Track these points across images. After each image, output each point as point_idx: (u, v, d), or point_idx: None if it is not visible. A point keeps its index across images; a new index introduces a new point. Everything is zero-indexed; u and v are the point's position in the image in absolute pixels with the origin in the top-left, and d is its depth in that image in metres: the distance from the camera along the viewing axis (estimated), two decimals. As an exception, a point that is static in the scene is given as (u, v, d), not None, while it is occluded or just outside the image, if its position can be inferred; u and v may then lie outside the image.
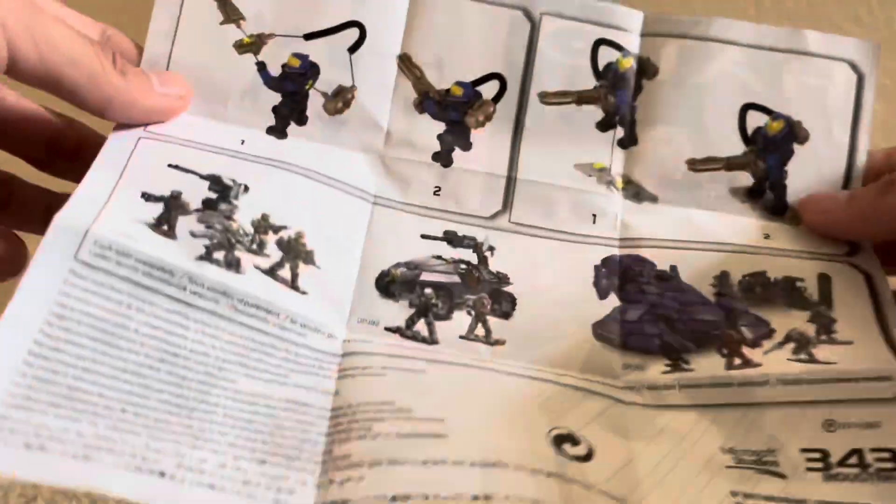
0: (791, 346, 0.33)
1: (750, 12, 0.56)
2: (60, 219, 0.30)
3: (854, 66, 0.38)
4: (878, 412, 0.30)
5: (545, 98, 0.39)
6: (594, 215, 0.38)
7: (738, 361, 0.33)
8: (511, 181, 0.38)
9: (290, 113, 0.37)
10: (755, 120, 0.38)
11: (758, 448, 0.30)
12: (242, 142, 0.36)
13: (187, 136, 0.36)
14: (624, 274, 0.36)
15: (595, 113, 0.39)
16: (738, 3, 0.56)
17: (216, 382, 0.29)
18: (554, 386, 0.32)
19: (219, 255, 0.32)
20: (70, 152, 0.38)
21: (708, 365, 0.33)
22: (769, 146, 0.38)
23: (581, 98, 0.39)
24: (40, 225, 0.30)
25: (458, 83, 0.39)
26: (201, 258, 0.32)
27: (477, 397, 0.31)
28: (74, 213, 0.30)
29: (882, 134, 0.41)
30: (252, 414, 0.29)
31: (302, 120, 0.38)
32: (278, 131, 0.37)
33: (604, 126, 0.39)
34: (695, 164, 0.38)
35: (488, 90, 0.39)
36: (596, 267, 0.36)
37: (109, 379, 0.28)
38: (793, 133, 0.38)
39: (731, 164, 0.38)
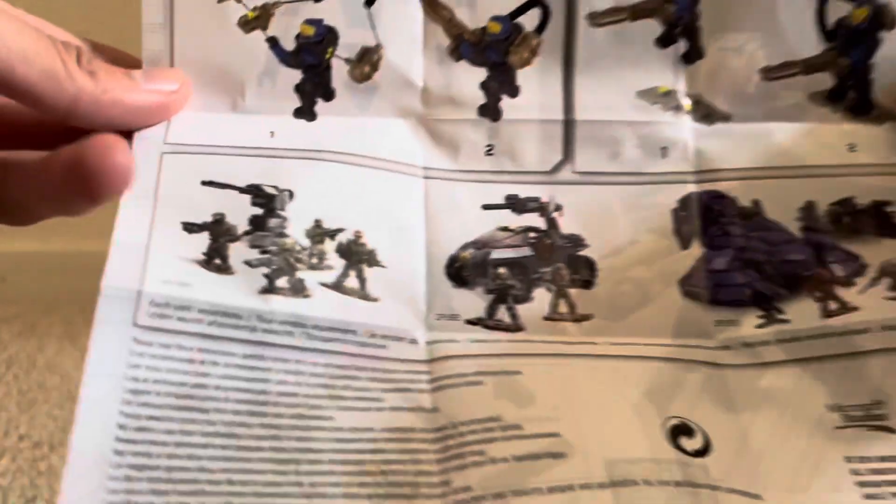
0: (887, 281, 0.31)
1: None
2: (108, 286, 0.28)
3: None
4: None
5: (596, 19, 0.34)
6: (663, 148, 0.34)
7: (833, 306, 0.31)
8: (569, 125, 0.34)
9: (314, 89, 0.34)
10: (836, 11, 0.34)
11: (864, 402, 0.29)
12: (272, 134, 0.33)
13: (212, 139, 0.32)
14: (705, 214, 0.34)
15: (653, 27, 0.34)
16: None
17: (312, 424, 0.29)
18: (652, 363, 0.31)
19: (281, 282, 0.30)
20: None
21: (803, 313, 0.32)
22: (852, 38, 0.34)
23: (636, 11, 0.34)
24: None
25: (495, 18, 0.34)
26: (265, 291, 0.30)
27: (581, 397, 0.30)
28: (120, 273, 0.28)
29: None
30: (357, 454, 0.28)
31: (329, 94, 0.34)
32: (306, 112, 0.34)
33: (664, 41, 0.34)
34: (769, 73, 0.34)
35: (529, 21, 0.34)
36: (674, 211, 0.34)
37: (204, 448, 0.27)
38: (879, 18, 0.34)
39: (809, 65, 0.34)
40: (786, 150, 0.34)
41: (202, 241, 0.30)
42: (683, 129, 0.34)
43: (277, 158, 0.32)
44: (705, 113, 0.35)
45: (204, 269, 0.29)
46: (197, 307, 0.28)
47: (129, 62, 0.32)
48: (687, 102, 0.35)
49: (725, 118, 0.35)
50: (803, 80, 0.34)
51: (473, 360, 0.31)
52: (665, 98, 0.35)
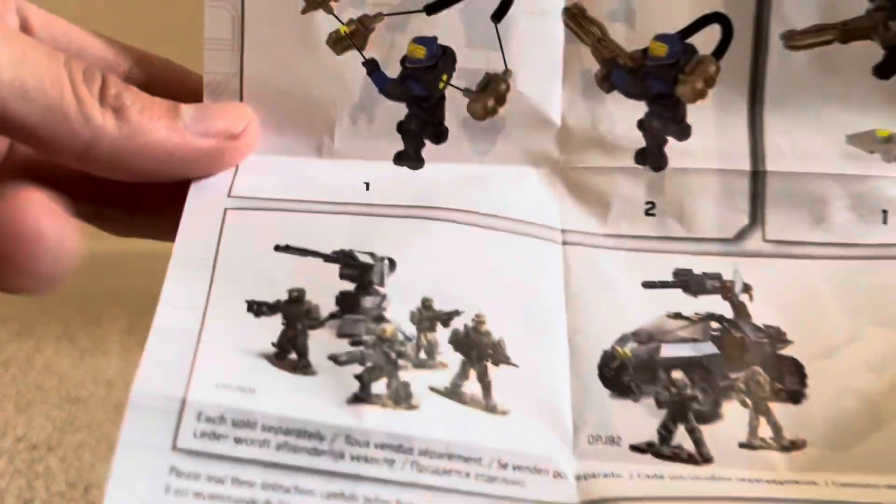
0: None
1: None
2: (140, 392, 0.20)
3: None
4: None
5: (793, 40, 0.26)
6: (885, 211, 0.25)
7: None
8: (757, 178, 0.26)
9: (422, 128, 0.26)
10: None
11: None
12: (367, 185, 0.25)
13: (290, 191, 0.24)
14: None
15: (870, 51, 0.26)
16: None
17: None
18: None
19: (379, 386, 0.22)
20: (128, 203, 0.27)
21: None
22: None
23: (848, 30, 0.26)
24: None
25: (660, 37, 0.26)
26: (357, 399, 0.21)
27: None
28: (158, 373, 0.20)
29: None
30: None
31: (440, 135, 0.26)
32: (411, 158, 0.26)
33: (885, 69, 0.26)
34: None
35: (705, 42, 0.26)
36: (909, 295, 0.24)
37: None
38: None
39: None
40: None
41: (273, 326, 0.22)
42: (912, 186, 0.25)
43: (374, 217, 0.24)
44: (942, 164, 0.26)
45: (274, 366, 0.21)
46: (262, 422, 0.20)
47: (194, 85, 0.25)
48: (917, 150, 0.26)
49: (971, 171, 0.25)
50: None
51: None
52: (886, 145, 0.26)
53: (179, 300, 0.22)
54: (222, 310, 0.22)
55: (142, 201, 0.26)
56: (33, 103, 0.21)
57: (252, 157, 0.25)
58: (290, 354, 0.22)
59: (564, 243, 0.25)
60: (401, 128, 0.26)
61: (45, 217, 0.20)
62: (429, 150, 0.26)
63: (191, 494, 0.19)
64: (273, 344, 0.22)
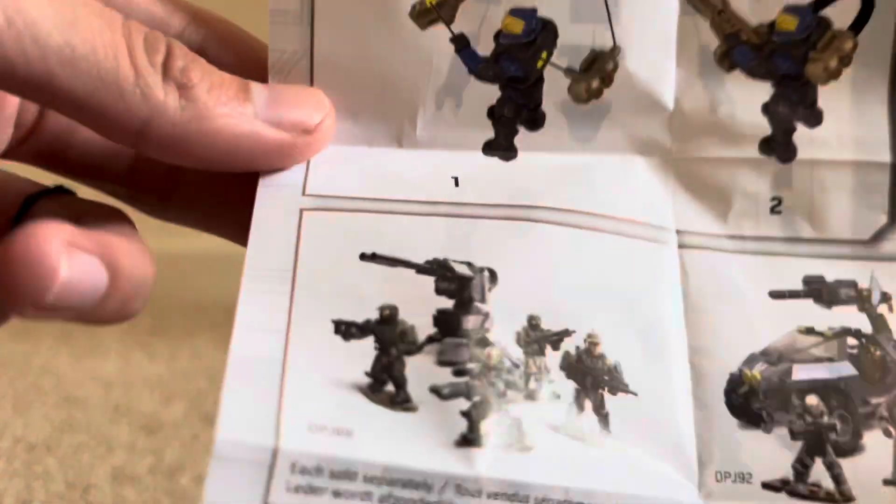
0: None
1: None
2: (223, 440, 0.17)
3: None
4: None
5: (946, 11, 0.22)
6: None
7: None
8: (900, 170, 0.22)
9: (516, 114, 0.22)
10: None
11: None
12: (456, 181, 0.22)
13: (372, 190, 0.21)
14: None
15: None
16: None
17: None
18: None
19: (489, 424, 0.19)
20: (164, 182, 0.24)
21: None
22: None
23: None
24: None
25: (789, 9, 0.22)
26: (464, 441, 0.19)
27: None
28: (243, 414, 0.17)
29: None
30: None
31: (537, 121, 0.22)
32: (503, 148, 0.22)
33: None
34: None
35: (841, 14, 0.22)
36: None
37: None
38: None
39: None
40: None
41: (365, 351, 0.19)
42: None
43: (468, 219, 0.21)
44: None
45: (371, 401, 0.18)
46: (363, 472, 0.17)
47: (258, 53, 0.21)
48: None
49: None
50: None
51: None
52: None
53: (258, 322, 0.19)
54: (307, 332, 0.19)
55: (180, 187, 0.23)
56: (84, 74, 0.18)
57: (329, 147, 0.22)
58: (386, 387, 0.19)
59: (681, 246, 0.22)
60: (492, 113, 0.22)
61: (62, 256, 0.17)
62: (523, 137, 0.23)
63: None
64: (366, 373, 0.19)
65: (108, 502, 0.63)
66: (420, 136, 0.22)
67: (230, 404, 0.17)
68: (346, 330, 0.19)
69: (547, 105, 0.23)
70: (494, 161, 0.23)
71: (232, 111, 0.19)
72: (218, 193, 0.23)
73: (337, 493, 0.17)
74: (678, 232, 0.22)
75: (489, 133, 0.23)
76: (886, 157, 0.23)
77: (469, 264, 0.21)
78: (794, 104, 0.23)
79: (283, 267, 0.20)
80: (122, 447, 0.70)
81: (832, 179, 0.23)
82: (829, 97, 0.23)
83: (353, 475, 0.18)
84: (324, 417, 0.18)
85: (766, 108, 0.23)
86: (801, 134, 0.23)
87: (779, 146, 0.23)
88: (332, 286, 0.20)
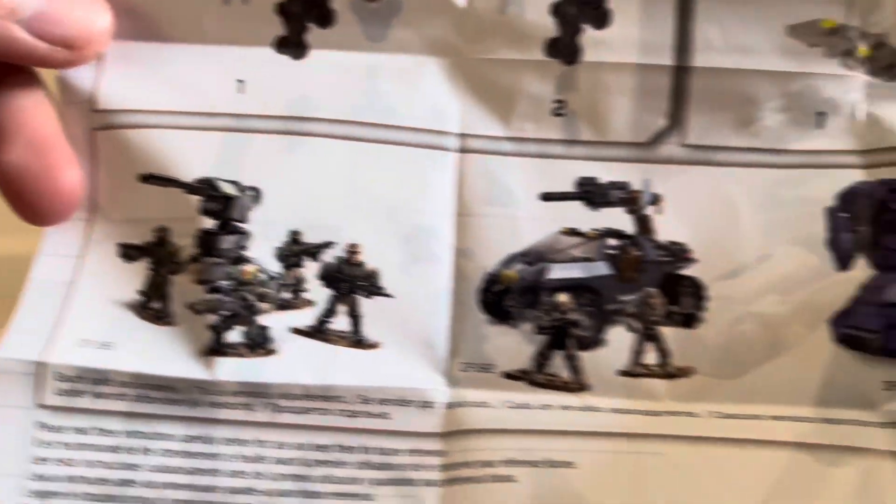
0: None
1: None
2: (4, 357, 0.21)
3: None
4: None
5: None
6: (820, 114, 0.23)
7: None
8: (681, 74, 0.23)
9: (306, 8, 0.23)
10: None
11: None
12: (240, 83, 0.22)
13: (159, 100, 0.22)
14: (876, 217, 0.23)
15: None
16: None
17: None
18: (781, 452, 0.21)
19: (234, 335, 0.21)
20: None
21: None
22: None
23: None
24: None
25: None
26: (211, 351, 0.21)
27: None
28: (23, 333, 0.21)
29: None
30: None
31: (327, 17, 0.23)
32: (293, 45, 0.23)
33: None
34: None
35: None
36: (829, 211, 0.23)
37: None
38: None
39: None
40: None
41: (141, 272, 0.21)
42: (853, 87, 0.23)
43: (244, 133, 0.22)
44: (890, 62, 0.23)
45: (138, 316, 0.21)
46: (118, 379, 0.21)
47: None
48: (863, 46, 0.23)
49: (923, 71, 0.23)
50: None
51: (508, 438, 0.21)
52: (830, 38, 0.23)
53: (58, 248, 0.21)
54: (98, 256, 0.21)
55: None
56: None
57: (115, 44, 0.22)
58: (153, 303, 0.21)
59: (461, 150, 0.23)
60: (283, 9, 0.23)
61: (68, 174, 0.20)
62: (315, 34, 0.23)
63: (57, 446, 0.20)
64: (139, 292, 0.21)
65: None
66: (208, 31, 0.23)
67: (16, 323, 0.20)
68: (128, 252, 0.21)
69: (338, 2, 0.23)
70: (284, 61, 0.23)
71: None
72: None
73: (98, 395, 0.21)
74: (462, 136, 0.23)
75: (279, 30, 0.23)
76: (669, 60, 0.23)
77: (236, 183, 0.22)
78: (584, 4, 0.23)
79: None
80: None
81: (615, 82, 0.23)
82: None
83: (107, 381, 0.21)
84: (94, 333, 0.21)
85: (556, 9, 0.23)
86: (589, 36, 0.23)
87: (565, 48, 0.23)
88: (123, 209, 0.21)
